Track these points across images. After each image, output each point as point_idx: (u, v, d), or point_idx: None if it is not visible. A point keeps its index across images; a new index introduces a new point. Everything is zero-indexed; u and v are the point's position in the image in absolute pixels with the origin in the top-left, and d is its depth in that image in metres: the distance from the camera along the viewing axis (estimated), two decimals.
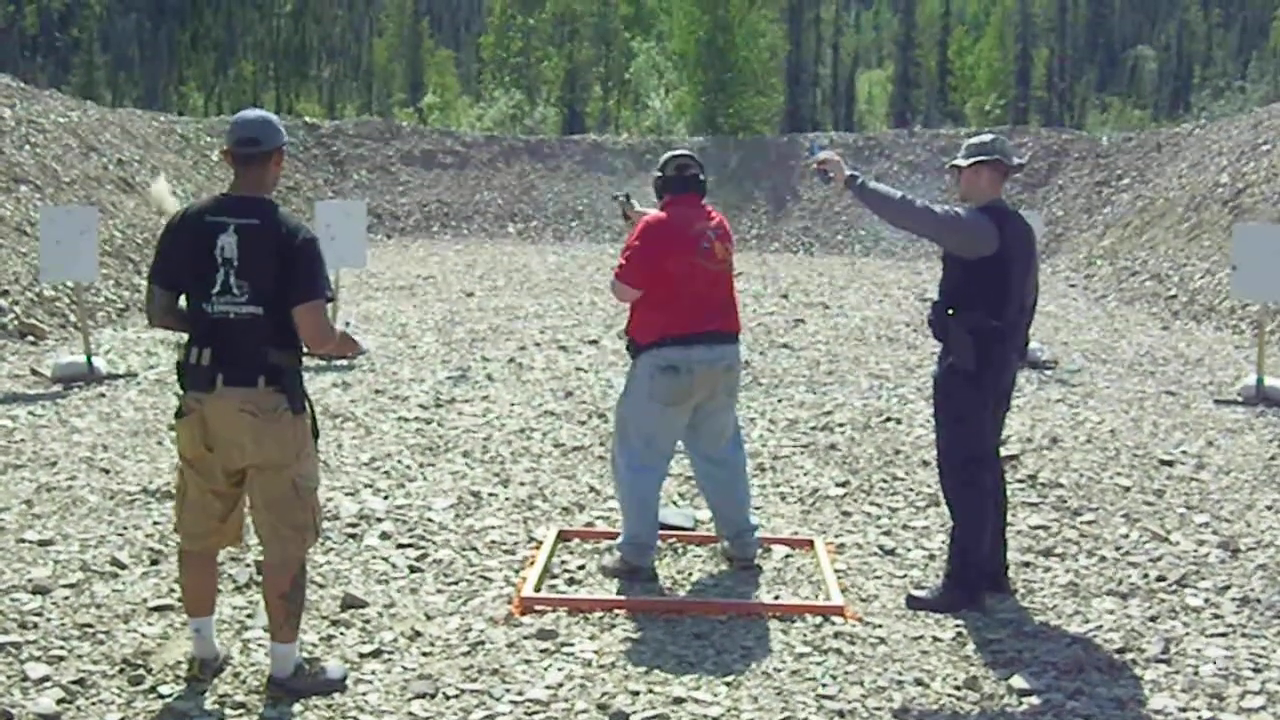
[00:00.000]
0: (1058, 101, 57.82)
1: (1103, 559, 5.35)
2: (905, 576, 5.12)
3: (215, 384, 3.63)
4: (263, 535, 3.83)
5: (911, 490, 6.44)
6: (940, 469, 4.87)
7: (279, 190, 3.95)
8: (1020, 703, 3.92)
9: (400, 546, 5.33)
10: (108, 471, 6.46)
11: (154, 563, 4.98)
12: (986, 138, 4.80)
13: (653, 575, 5.01)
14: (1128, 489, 6.48)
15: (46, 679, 3.82)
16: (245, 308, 3.63)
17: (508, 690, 3.89)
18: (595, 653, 4.22)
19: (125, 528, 5.45)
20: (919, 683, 4.04)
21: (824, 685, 3.99)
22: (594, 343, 11.55)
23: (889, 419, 8.17)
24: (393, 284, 16.72)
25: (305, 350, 3.76)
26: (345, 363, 9.71)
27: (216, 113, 42.60)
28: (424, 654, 4.18)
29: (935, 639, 4.43)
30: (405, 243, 24.52)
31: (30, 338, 10.81)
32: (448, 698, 3.84)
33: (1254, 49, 60.13)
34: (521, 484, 6.46)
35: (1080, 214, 24.06)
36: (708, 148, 28.73)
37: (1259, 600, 4.80)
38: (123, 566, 4.91)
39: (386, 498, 6.08)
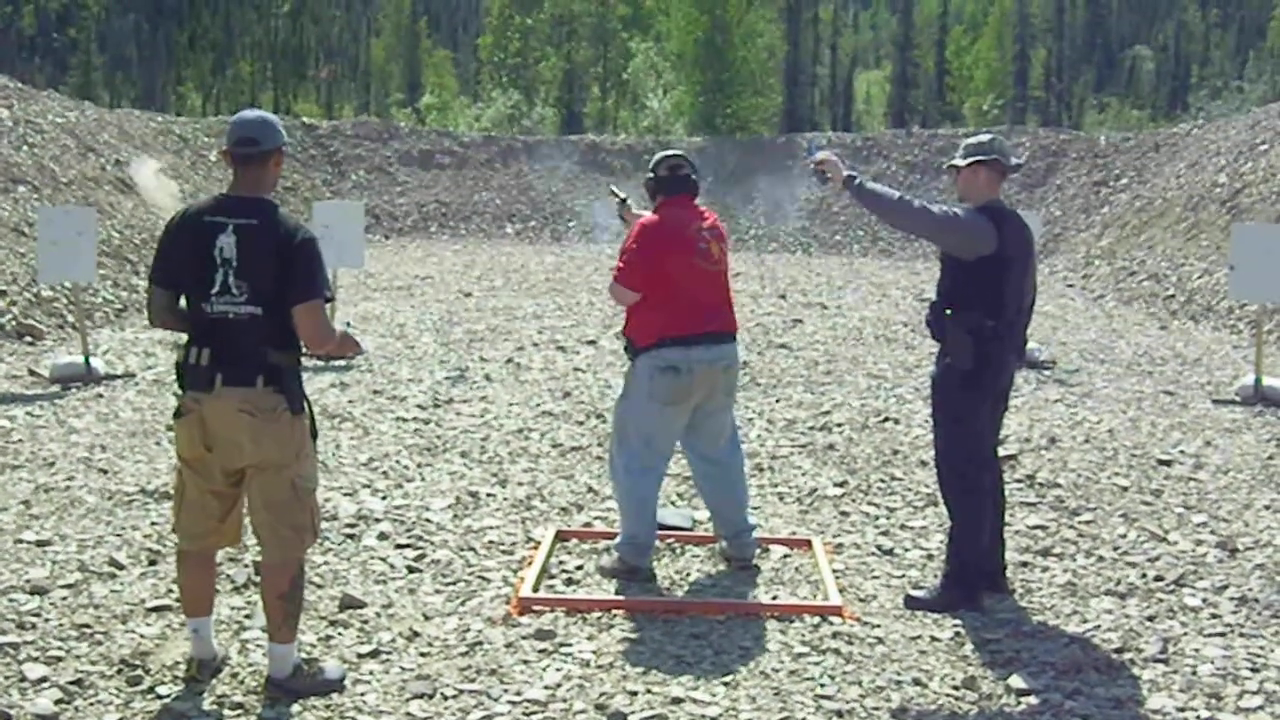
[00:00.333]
0: (1055, 101, 57.86)
1: (1101, 559, 5.35)
2: (903, 576, 5.12)
3: (214, 384, 3.63)
4: (261, 536, 3.82)
5: (909, 490, 6.45)
6: (938, 469, 4.87)
7: (276, 191, 3.93)
8: (1018, 702, 3.92)
9: (398, 547, 5.33)
10: (106, 472, 6.46)
11: (152, 563, 4.98)
12: (984, 138, 4.80)
13: (651, 575, 5.01)
14: (1126, 489, 6.49)
15: (44, 679, 3.82)
16: (244, 308, 3.63)
17: (506, 690, 3.89)
18: (593, 653, 4.22)
19: (123, 528, 5.45)
20: (917, 683, 4.04)
21: (822, 685, 3.99)
22: (592, 343, 11.55)
23: (887, 419, 8.17)
24: (390, 284, 16.72)
25: (304, 350, 3.76)
26: (343, 363, 9.70)
27: (214, 113, 42.61)
28: (422, 654, 4.18)
29: (933, 639, 4.43)
30: (403, 243, 24.53)
31: (28, 338, 10.81)
32: (446, 698, 3.83)
33: (1252, 49, 60.13)
34: (519, 484, 6.46)
35: (1078, 214, 24.08)
36: (706, 148, 28.77)
37: (1257, 600, 4.80)
38: (121, 567, 4.91)
39: (384, 498, 6.08)
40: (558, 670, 4.06)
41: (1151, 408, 8.80)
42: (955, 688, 4.01)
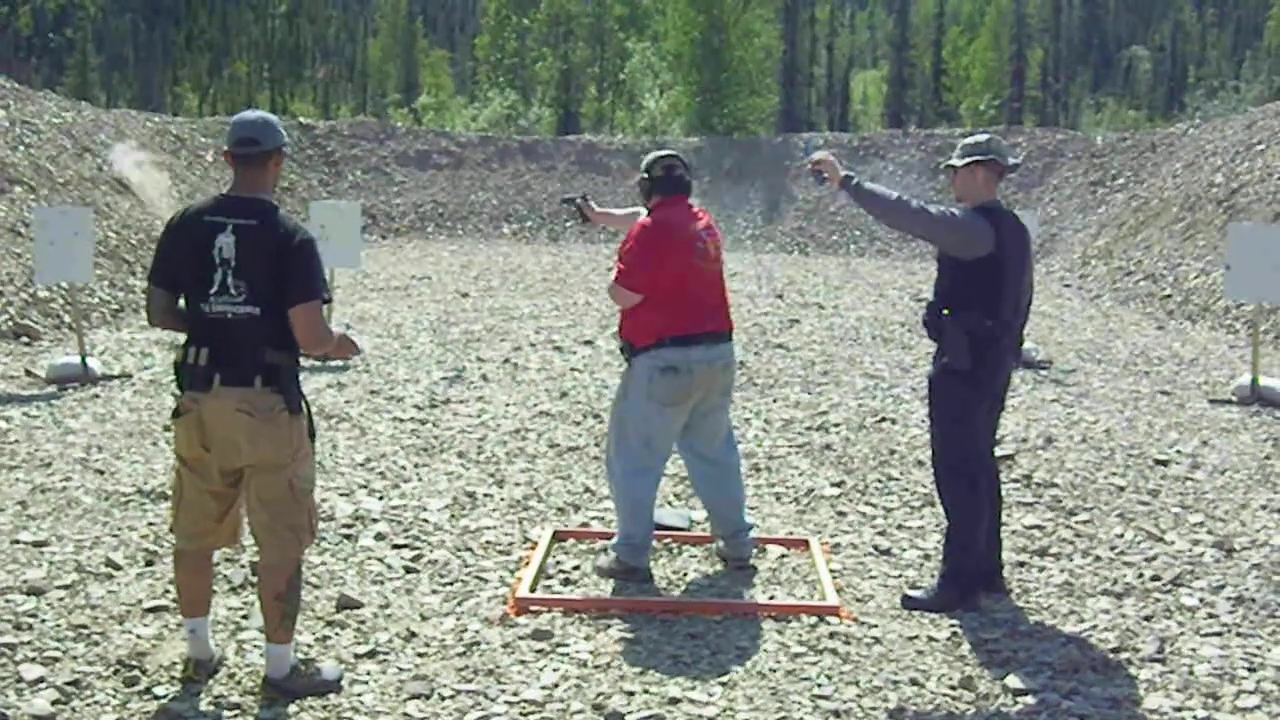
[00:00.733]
0: (1052, 102, 57.95)
1: (1098, 559, 5.36)
2: (900, 576, 5.13)
3: (212, 384, 3.63)
4: (259, 536, 3.82)
5: (906, 490, 6.45)
6: (935, 469, 4.87)
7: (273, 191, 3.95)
8: (1015, 702, 3.92)
9: (395, 547, 5.32)
10: (102, 472, 6.45)
11: (149, 564, 4.98)
12: (981, 138, 4.80)
13: (648, 575, 5.01)
14: (1122, 489, 6.49)
15: (41, 680, 3.81)
16: (243, 308, 3.63)
17: (503, 691, 3.89)
18: (590, 653, 4.22)
19: (120, 529, 5.44)
20: (914, 683, 4.04)
21: (819, 685, 3.99)
22: (589, 343, 11.55)
23: (884, 419, 8.18)
24: (387, 285, 16.71)
25: (302, 351, 3.76)
26: (340, 363, 9.70)
27: (211, 113, 42.60)
28: (419, 655, 4.17)
29: (930, 639, 4.43)
30: (400, 243, 24.52)
31: (25, 339, 10.80)
32: (443, 698, 3.83)
33: (1248, 49, 60.25)
34: (517, 484, 6.46)
35: (1075, 214, 24.10)
36: (702, 148, 28.77)
37: (1254, 600, 4.81)
38: (118, 567, 4.91)
39: (382, 498, 6.08)
40: (555, 670, 4.06)
41: (1148, 408, 8.81)
42: (952, 688, 4.01)
